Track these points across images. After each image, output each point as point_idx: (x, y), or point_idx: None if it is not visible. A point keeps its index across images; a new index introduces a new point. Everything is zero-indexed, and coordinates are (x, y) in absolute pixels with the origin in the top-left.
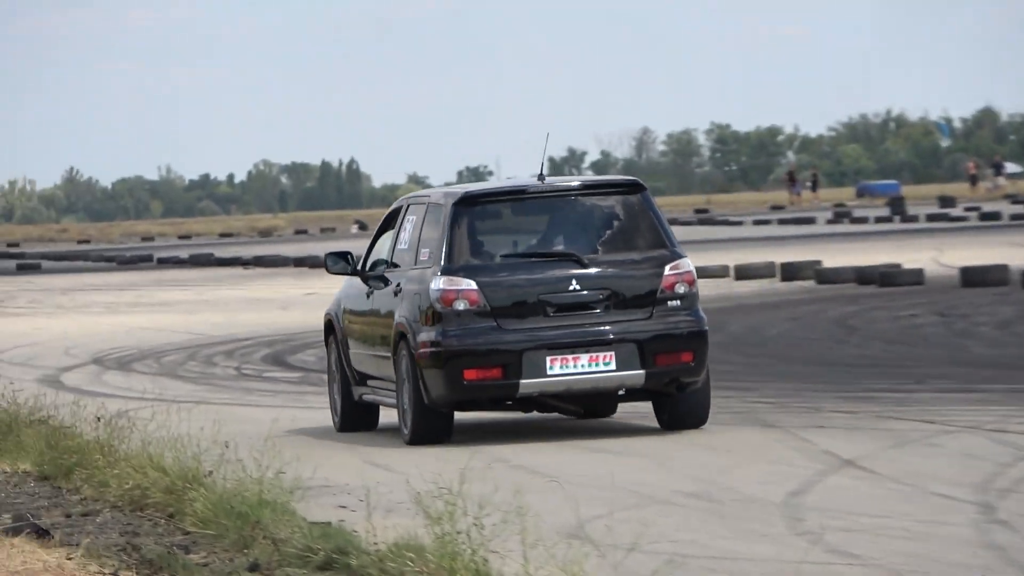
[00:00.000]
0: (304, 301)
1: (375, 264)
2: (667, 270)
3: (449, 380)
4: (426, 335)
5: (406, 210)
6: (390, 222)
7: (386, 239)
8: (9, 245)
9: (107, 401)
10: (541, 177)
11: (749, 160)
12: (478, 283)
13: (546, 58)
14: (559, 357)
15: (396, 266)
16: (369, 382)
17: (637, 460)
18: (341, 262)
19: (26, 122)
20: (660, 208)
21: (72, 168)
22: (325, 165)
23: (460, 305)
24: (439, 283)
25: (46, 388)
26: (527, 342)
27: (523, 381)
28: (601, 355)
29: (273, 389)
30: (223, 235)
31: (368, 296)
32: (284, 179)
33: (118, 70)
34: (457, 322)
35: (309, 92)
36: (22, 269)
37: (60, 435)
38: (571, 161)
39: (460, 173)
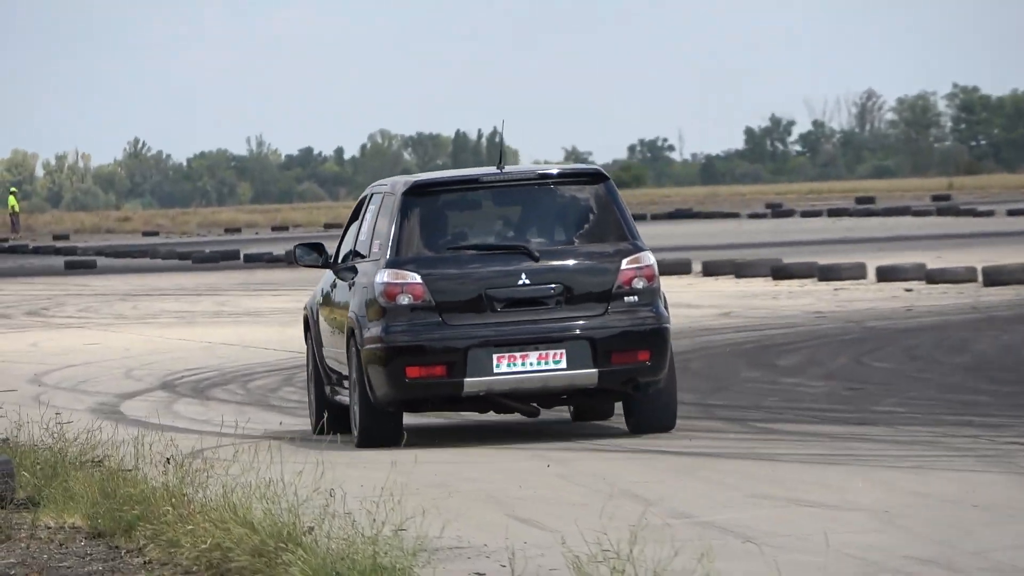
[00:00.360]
0: None
1: (347, 255)
2: (624, 264)
3: (391, 378)
4: (370, 331)
5: (369, 199)
6: (358, 212)
7: (355, 229)
8: (56, 237)
9: (179, 437)
10: (500, 166)
11: (1003, 133)
12: (423, 277)
13: (740, 7)
14: (506, 355)
15: (363, 257)
16: (344, 381)
17: (857, 516)
18: (313, 253)
19: (79, 82)
20: (623, 199)
21: (137, 140)
22: (460, 137)
23: (404, 299)
24: (383, 276)
25: (101, 420)
26: (472, 339)
27: (468, 380)
28: (551, 353)
29: None
30: (329, 226)
31: (333, 288)
32: (407, 154)
33: (196, 17)
34: (401, 317)
35: (440, 45)
36: (72, 268)
37: (119, 480)
38: (775, 133)
39: (632, 148)
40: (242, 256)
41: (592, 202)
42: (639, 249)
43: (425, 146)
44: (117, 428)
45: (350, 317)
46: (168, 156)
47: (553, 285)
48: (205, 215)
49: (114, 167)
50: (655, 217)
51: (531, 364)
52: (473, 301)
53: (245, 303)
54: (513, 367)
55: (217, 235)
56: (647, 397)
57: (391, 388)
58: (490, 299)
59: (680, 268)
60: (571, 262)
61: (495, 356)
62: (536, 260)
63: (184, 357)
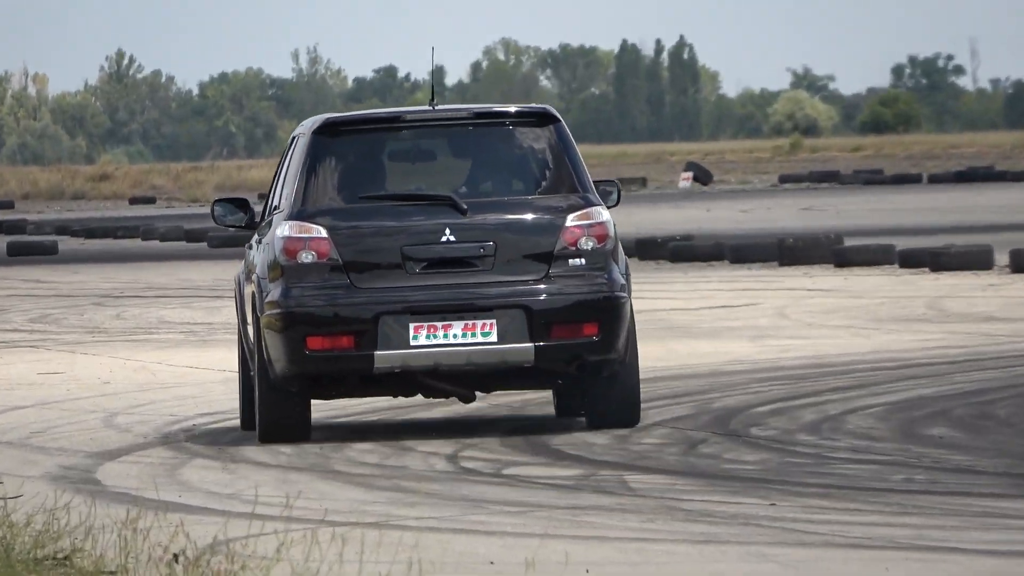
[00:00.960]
0: None
1: (271, 211)
2: (570, 220)
3: (290, 350)
4: (270, 294)
5: (293, 142)
6: (284, 158)
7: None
8: None
9: (191, 520)
10: (432, 102)
11: None
12: (330, 231)
13: None
14: (425, 324)
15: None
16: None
17: None
18: (237, 212)
19: None
20: (576, 145)
21: (121, 54)
22: (628, 51)
23: (307, 257)
24: (284, 230)
25: (68, 493)
26: (385, 305)
27: (379, 353)
28: (479, 323)
29: (527, 500)
30: None
31: (250, 250)
32: (545, 78)
33: None
34: (302, 278)
35: None
36: (19, 254)
37: None
38: None
39: (899, 71)
40: None
41: (538, 147)
42: (589, 204)
43: (573, 65)
44: (93, 506)
45: (254, 280)
46: (170, 80)
47: (483, 243)
48: (228, 172)
49: (85, 96)
50: (935, 179)
51: (455, 336)
52: (388, 261)
53: None
54: (433, 339)
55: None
56: (602, 383)
57: (290, 362)
58: (408, 259)
59: (976, 260)
60: (506, 217)
61: (412, 326)
62: (464, 213)
63: (196, 394)
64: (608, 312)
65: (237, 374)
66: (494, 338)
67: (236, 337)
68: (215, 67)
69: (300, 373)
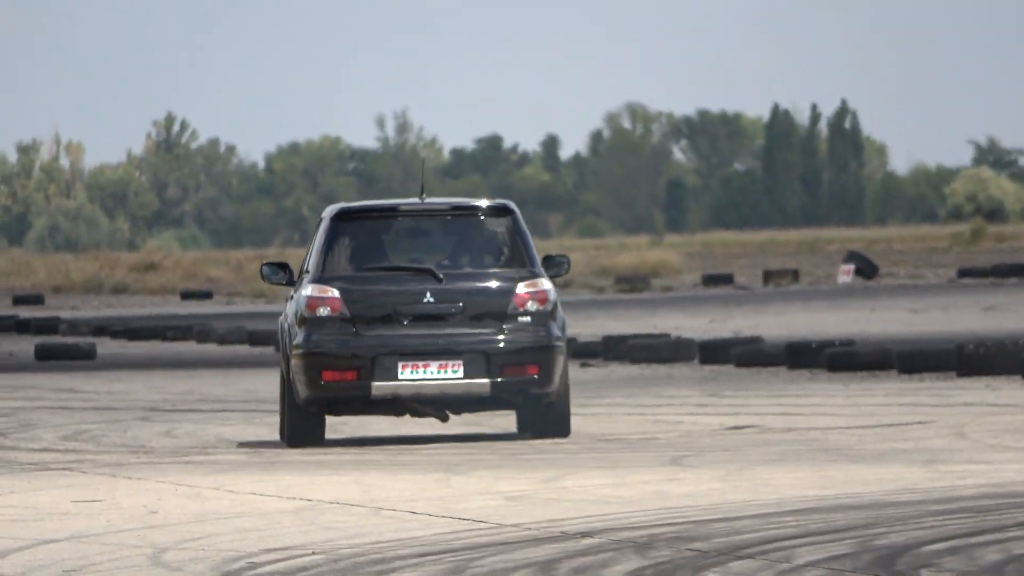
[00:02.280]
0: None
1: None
2: (520, 288)
3: (310, 380)
4: (296, 338)
5: (320, 221)
6: (313, 235)
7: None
8: (19, 301)
9: None
10: (422, 197)
11: None
12: (341, 292)
13: None
14: (410, 363)
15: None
16: None
17: None
18: (280, 272)
19: (65, 18)
20: (527, 229)
21: (171, 119)
22: (778, 119)
23: (324, 311)
24: (307, 290)
25: None
26: (381, 348)
27: (375, 383)
28: (450, 363)
29: None
30: None
31: (288, 301)
32: (679, 150)
33: None
34: (320, 327)
35: None
36: (50, 358)
37: None
38: None
39: None
40: None
41: (498, 232)
42: (535, 275)
43: (712, 135)
44: None
45: (284, 327)
46: (230, 150)
47: (455, 304)
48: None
49: (127, 170)
50: None
51: (432, 372)
52: (384, 315)
53: (377, 425)
54: (416, 374)
55: None
56: (541, 408)
57: (310, 389)
58: (398, 314)
59: None
60: (472, 284)
61: (400, 364)
62: (440, 281)
63: (260, 527)
64: (545, 357)
65: (279, 400)
66: (461, 375)
67: (280, 376)
68: (284, 135)
69: (317, 397)
